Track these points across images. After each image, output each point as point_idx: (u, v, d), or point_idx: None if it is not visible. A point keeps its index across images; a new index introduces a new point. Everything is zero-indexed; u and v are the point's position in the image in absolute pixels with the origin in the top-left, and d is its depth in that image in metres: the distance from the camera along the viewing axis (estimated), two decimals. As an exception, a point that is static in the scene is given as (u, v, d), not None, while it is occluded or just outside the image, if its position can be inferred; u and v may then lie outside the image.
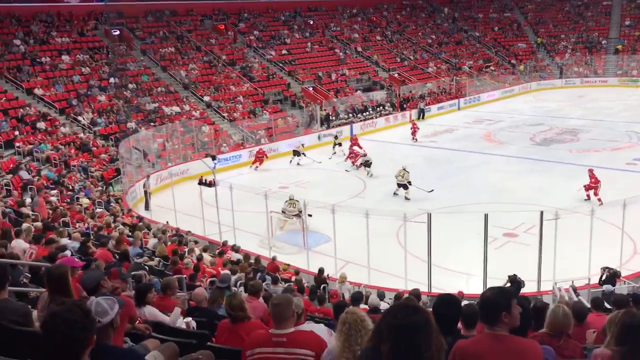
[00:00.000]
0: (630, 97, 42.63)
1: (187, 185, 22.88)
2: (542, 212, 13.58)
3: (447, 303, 3.87)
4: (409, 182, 21.41)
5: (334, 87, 40.19)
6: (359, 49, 46.93)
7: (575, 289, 11.75)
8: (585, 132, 32.25)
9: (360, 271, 14.85)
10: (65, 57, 31.98)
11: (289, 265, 15.14)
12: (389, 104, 39.43)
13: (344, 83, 41.40)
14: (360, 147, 27.88)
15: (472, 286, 13.94)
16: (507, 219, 17.02)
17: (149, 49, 36.46)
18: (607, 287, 11.27)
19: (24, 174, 19.69)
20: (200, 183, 19.39)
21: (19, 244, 9.08)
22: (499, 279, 12.07)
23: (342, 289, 12.94)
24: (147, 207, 21.86)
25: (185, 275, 10.74)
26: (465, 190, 21.97)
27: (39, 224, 11.79)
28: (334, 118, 35.42)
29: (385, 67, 45.58)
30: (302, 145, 29.15)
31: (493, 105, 43.87)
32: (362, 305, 9.23)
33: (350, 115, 36.59)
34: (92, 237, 12.47)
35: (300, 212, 17.63)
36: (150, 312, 6.20)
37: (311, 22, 48.19)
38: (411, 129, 33.01)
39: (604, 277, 12.23)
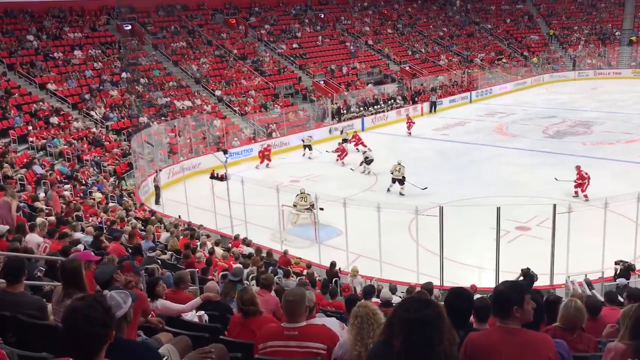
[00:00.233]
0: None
1: (199, 179, 22.93)
2: (554, 205, 13.51)
3: (459, 296, 3.86)
4: (404, 177, 21.25)
5: (345, 80, 40.11)
6: (370, 42, 46.76)
7: (589, 283, 11.68)
8: (599, 124, 31.96)
9: (372, 265, 14.83)
10: (77, 52, 32.14)
11: (300, 258, 15.17)
12: (400, 97, 39.31)
13: (355, 76, 41.29)
14: (365, 145, 27.58)
15: (484, 280, 13.91)
16: (519, 212, 16.95)
17: (160, 44, 36.55)
18: (620, 281, 11.19)
19: (37, 169, 19.83)
20: (212, 177, 19.44)
21: (33, 238, 9.16)
22: (511, 273, 12.03)
23: (354, 283, 12.95)
24: (157, 202, 21.96)
25: (197, 269, 10.80)
26: (477, 183, 21.87)
27: (52, 218, 11.88)
28: (345, 111, 35.37)
29: (397, 60, 45.39)
30: (310, 137, 29.18)
31: (505, 98, 43.59)
32: (374, 299, 9.24)
33: (362, 108, 36.51)
34: (105, 231, 12.54)
35: (312, 205, 17.64)
36: (162, 304, 6.25)
37: (322, 16, 48.06)
38: (407, 123, 32.93)
39: (618, 271, 12.15)
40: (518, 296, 3.30)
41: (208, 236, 16.00)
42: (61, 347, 2.61)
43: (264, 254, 14.73)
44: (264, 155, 26.93)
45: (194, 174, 24.42)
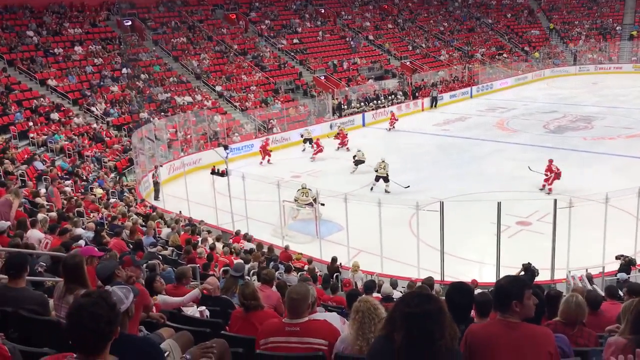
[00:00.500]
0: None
1: (200, 174, 22.97)
2: (555, 200, 13.53)
3: (460, 291, 3.88)
4: (388, 175, 21.16)
5: (346, 75, 40.06)
6: (371, 37, 46.68)
7: (590, 277, 11.69)
8: (600, 119, 31.93)
9: (373, 260, 14.85)
10: (77, 48, 32.09)
11: (301, 254, 15.19)
12: (401, 93, 39.26)
13: (356, 72, 41.25)
14: (346, 145, 28.12)
15: (485, 275, 13.94)
16: (520, 207, 16.94)
17: (160, 39, 36.50)
18: (621, 275, 11.21)
19: (38, 165, 19.84)
20: (213, 172, 19.45)
21: (34, 234, 9.17)
22: (512, 268, 12.03)
23: (355, 278, 12.97)
24: (156, 197, 21.97)
25: (199, 265, 10.82)
26: (478, 178, 21.88)
27: (53, 214, 11.88)
28: (345, 107, 35.35)
29: (397, 55, 45.32)
30: (308, 131, 29.28)
31: (506, 93, 43.56)
32: (375, 294, 9.26)
33: (362, 104, 36.48)
34: (106, 227, 12.56)
35: (314, 200, 17.64)
36: (162, 299, 6.27)
37: (322, 11, 47.95)
38: (390, 119, 33.03)
39: (620, 266, 12.16)
40: (518, 291, 3.31)
41: (209, 232, 16.01)
42: (63, 343, 2.62)
43: (265, 250, 14.76)
44: (265, 151, 26.94)
45: (195, 170, 24.44)
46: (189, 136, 28.34)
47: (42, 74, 28.83)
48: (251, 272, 11.12)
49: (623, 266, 12.02)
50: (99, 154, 23.95)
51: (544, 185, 20.16)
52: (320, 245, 16.17)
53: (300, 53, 40.95)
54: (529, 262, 11.92)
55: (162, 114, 29.39)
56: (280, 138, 30.23)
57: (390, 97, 38.14)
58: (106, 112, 28.17)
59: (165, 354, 3.74)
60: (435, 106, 38.75)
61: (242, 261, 11.25)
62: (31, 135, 23.57)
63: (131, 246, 10.82)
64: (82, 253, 5.74)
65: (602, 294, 7.38)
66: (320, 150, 26.98)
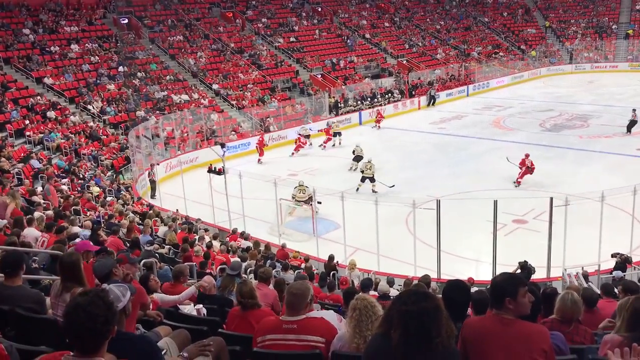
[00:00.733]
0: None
1: (197, 173, 22.93)
2: (551, 199, 13.55)
3: (457, 289, 3.89)
4: (373, 175, 21.08)
5: (343, 74, 40.05)
6: (367, 35, 46.67)
7: (586, 275, 11.73)
8: (596, 117, 32.01)
9: (370, 258, 14.86)
10: (74, 46, 32.02)
11: (299, 252, 15.20)
12: (397, 91, 39.27)
13: (353, 70, 41.25)
14: (324, 146, 28.68)
15: (481, 273, 13.96)
16: (516, 205, 16.96)
17: (157, 37, 36.43)
18: (616, 273, 11.23)
19: (34, 163, 19.81)
20: (210, 171, 19.43)
21: (31, 232, 9.16)
22: (508, 266, 12.06)
23: (352, 276, 12.98)
24: (152, 196, 21.95)
25: (196, 263, 10.82)
26: (474, 176, 21.90)
27: (50, 212, 11.87)
28: (342, 105, 35.34)
29: (394, 53, 45.32)
30: (305, 129, 29.32)
31: (502, 92, 43.60)
32: (372, 292, 9.26)
33: (359, 102, 36.48)
34: (103, 225, 12.55)
35: (310, 198, 17.65)
36: (158, 297, 6.28)
37: (319, 9, 47.95)
38: (377, 116, 33.28)
39: (616, 264, 12.19)
40: (511, 288, 3.32)
41: (206, 230, 16.01)
42: (60, 341, 2.63)
43: (262, 248, 14.76)
44: (261, 148, 26.96)
45: (192, 168, 24.41)
46: (185, 134, 28.31)
47: (39, 72, 28.75)
48: (248, 270, 11.13)
49: (619, 264, 12.04)
50: (96, 152, 23.91)
51: (518, 182, 20.59)
52: (317, 244, 16.19)
53: (297, 51, 40.92)
54: (525, 260, 11.94)
55: (159, 112, 29.34)
56: (277, 136, 30.21)
57: (386, 96, 38.14)
58: (103, 110, 28.10)
59: (163, 352, 3.75)
60: (433, 104, 38.77)
61: (239, 259, 11.26)
62: (27, 133, 23.52)
63: (128, 244, 10.82)
64: (78, 248, 5.75)
65: (598, 291, 7.39)
66: (305, 144, 27.91)
